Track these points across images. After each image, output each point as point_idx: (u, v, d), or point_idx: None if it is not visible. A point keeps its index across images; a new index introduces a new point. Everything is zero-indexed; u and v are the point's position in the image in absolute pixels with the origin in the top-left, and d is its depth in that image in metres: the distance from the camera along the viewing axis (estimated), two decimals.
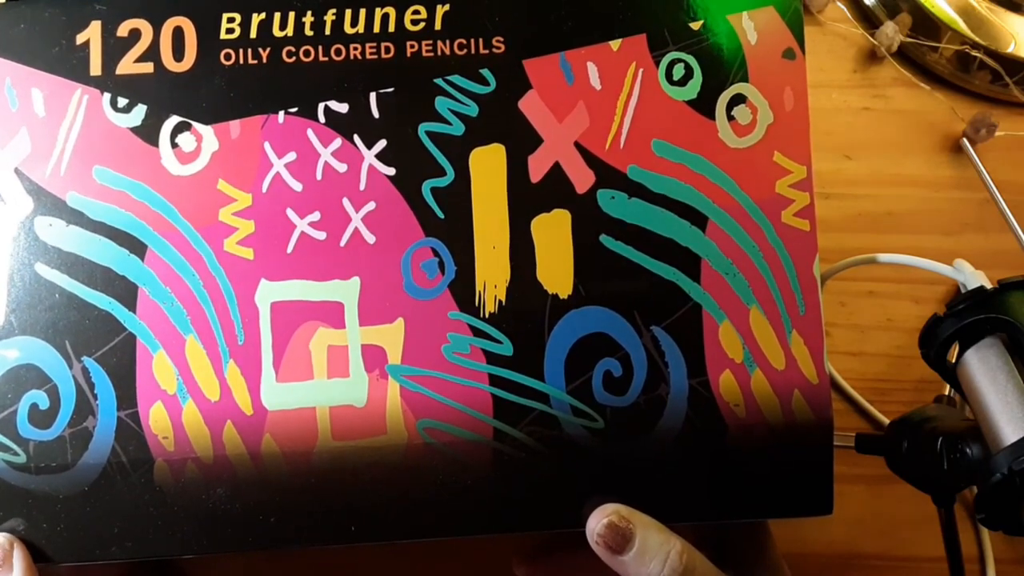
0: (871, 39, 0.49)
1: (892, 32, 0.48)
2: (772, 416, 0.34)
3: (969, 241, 0.47)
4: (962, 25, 0.48)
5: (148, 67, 0.35)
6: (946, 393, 0.44)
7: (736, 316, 0.35)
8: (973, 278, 0.36)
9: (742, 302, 0.35)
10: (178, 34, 0.35)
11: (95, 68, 0.35)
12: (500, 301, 0.34)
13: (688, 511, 0.34)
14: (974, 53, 0.48)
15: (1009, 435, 0.30)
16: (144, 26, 0.35)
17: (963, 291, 0.35)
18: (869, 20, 0.51)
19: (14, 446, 0.34)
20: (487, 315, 0.34)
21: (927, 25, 0.49)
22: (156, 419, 0.34)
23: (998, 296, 0.33)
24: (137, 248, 0.34)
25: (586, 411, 0.34)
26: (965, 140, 0.48)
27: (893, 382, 0.45)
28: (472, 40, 0.35)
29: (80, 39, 0.35)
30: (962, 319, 0.33)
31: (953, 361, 0.34)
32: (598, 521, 0.32)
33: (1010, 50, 0.48)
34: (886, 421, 0.44)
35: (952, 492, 0.37)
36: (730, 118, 0.35)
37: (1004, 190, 0.46)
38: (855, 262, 0.41)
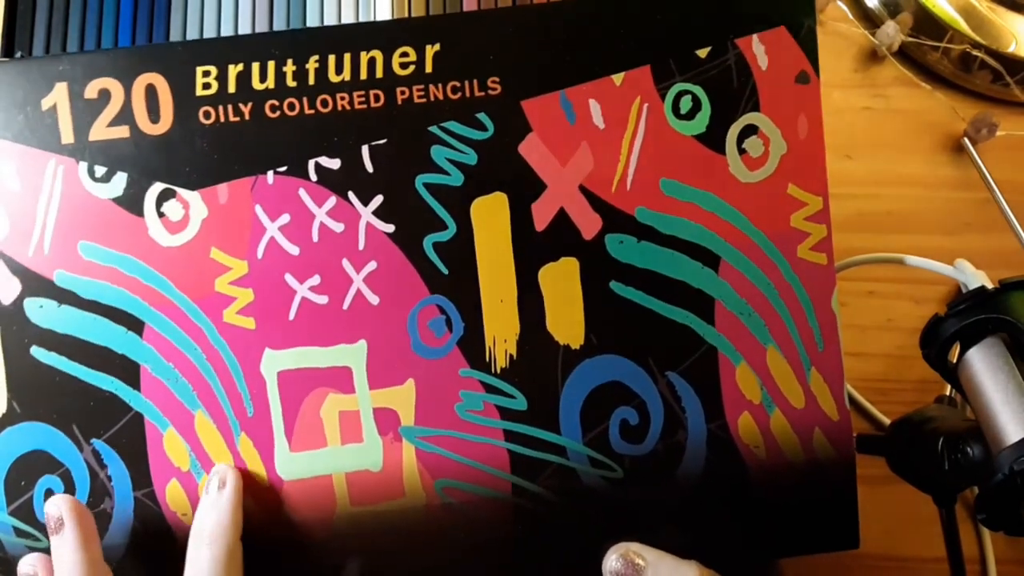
0: (872, 39, 0.49)
1: (893, 32, 0.48)
2: (793, 456, 0.34)
3: (970, 241, 0.47)
4: (963, 25, 0.48)
5: (123, 131, 0.33)
6: (947, 393, 0.44)
7: (753, 357, 0.34)
8: (974, 278, 0.35)
9: (758, 342, 0.34)
10: (151, 92, 0.33)
11: (66, 135, 0.33)
12: (511, 355, 0.34)
13: (713, 556, 0.34)
14: (975, 53, 0.47)
15: (1010, 435, 0.30)
16: (113, 85, 0.33)
17: (964, 291, 0.34)
18: (870, 20, 0.50)
19: (35, 532, 0.33)
20: (498, 370, 0.34)
21: (928, 25, 0.48)
22: (173, 497, 0.33)
23: (999, 296, 0.32)
24: (134, 325, 0.33)
25: (604, 461, 0.34)
26: (966, 140, 0.48)
27: (894, 382, 0.45)
28: (466, 82, 0.33)
29: (46, 104, 0.33)
30: (963, 319, 0.32)
31: (954, 361, 0.34)
32: (611, 559, 0.32)
33: (1011, 50, 0.48)
34: (887, 421, 0.44)
35: (953, 492, 0.37)
36: (741, 151, 0.34)
37: (1005, 190, 0.46)
38: (869, 259, 0.41)
